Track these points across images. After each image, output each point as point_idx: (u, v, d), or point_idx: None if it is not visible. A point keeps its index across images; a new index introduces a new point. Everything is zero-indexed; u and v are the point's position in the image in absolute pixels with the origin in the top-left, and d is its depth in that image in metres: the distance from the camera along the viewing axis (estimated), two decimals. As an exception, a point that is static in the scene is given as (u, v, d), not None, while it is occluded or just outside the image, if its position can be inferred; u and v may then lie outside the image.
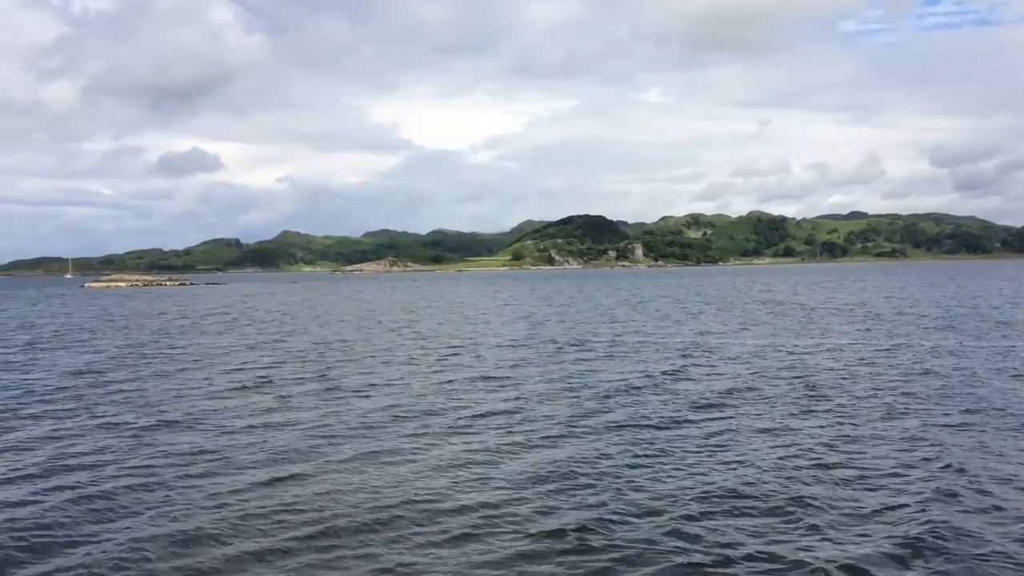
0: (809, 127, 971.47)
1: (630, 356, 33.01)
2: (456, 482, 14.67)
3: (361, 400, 23.20)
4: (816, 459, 15.75)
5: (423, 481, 14.72)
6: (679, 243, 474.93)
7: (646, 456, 16.23)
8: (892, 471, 14.91)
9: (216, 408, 22.24)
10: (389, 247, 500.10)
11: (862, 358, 30.71)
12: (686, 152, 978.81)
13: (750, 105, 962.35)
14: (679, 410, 20.87)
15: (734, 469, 15.16)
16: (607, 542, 11.64)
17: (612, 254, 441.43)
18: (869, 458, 15.82)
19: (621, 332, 44.24)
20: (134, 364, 32.95)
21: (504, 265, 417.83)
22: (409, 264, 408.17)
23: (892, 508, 12.90)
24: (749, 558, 11.05)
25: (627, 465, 15.56)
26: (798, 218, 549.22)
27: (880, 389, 23.53)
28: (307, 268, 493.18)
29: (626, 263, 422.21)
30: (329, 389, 25.19)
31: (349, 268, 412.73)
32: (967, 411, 20.12)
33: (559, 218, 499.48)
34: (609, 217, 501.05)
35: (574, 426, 19.13)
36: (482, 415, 20.67)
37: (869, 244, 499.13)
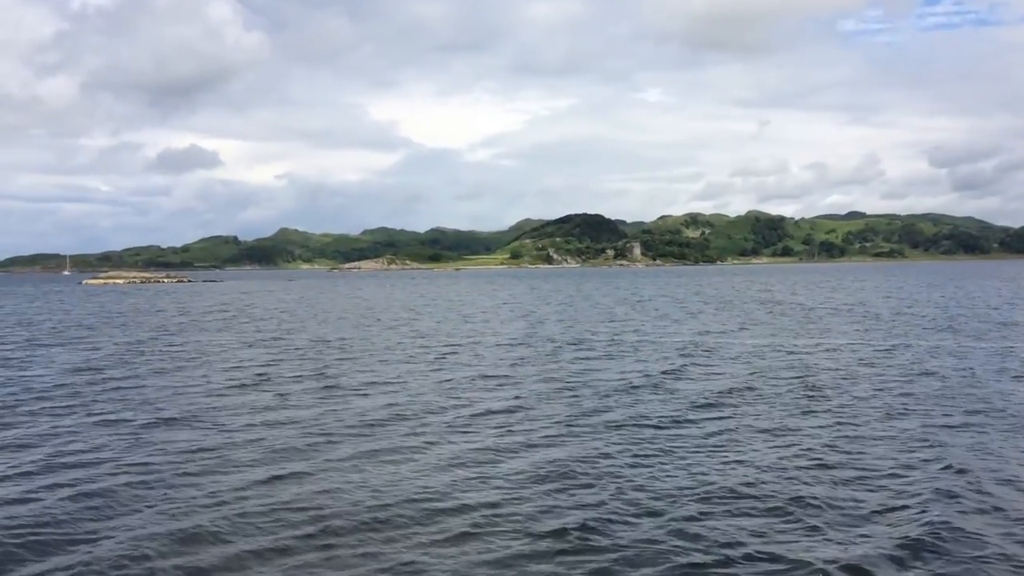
0: (808, 127, 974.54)
1: (629, 355, 32.99)
2: (455, 481, 14.63)
3: (360, 398, 23.16)
4: (816, 459, 15.74)
5: (422, 480, 14.69)
6: (677, 242, 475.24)
7: (646, 455, 16.21)
8: (892, 471, 14.90)
9: (215, 406, 22.20)
10: (387, 245, 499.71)
11: (861, 358, 30.71)
12: (685, 152, 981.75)
13: (750, 105, 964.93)
14: (679, 410, 20.85)
15: (734, 469, 15.14)
16: (607, 542, 11.61)
17: (610, 253, 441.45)
18: (869, 458, 15.81)
19: (620, 331, 44.23)
20: (132, 361, 32.88)
21: (502, 264, 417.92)
22: (407, 262, 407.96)
23: (892, 509, 12.89)
24: (749, 558, 11.04)
25: (627, 464, 15.54)
26: (796, 218, 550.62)
27: (880, 389, 23.52)
28: (305, 266, 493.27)
29: (624, 262, 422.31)
30: (328, 387, 25.15)
31: (347, 266, 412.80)
32: (967, 412, 20.10)
33: (558, 217, 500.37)
34: (607, 216, 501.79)
35: (573, 425, 19.10)
36: (481, 414, 20.64)
37: (867, 244, 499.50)
